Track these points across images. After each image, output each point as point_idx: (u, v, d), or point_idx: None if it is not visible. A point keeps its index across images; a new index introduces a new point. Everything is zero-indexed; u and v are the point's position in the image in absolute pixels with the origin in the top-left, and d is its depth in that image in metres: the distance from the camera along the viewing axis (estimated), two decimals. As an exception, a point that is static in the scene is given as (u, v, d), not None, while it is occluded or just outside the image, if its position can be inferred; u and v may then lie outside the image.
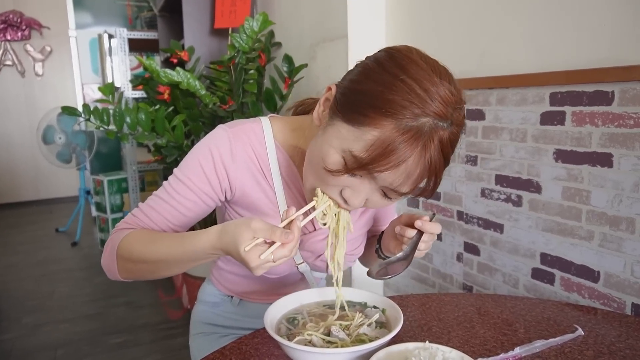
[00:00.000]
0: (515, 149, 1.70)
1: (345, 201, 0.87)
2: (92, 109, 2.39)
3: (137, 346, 2.88)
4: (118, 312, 3.37)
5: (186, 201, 1.00)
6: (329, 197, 0.89)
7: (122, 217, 4.69)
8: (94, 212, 5.18)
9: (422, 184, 0.82)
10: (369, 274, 0.94)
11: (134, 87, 3.77)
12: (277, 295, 1.03)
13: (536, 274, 1.66)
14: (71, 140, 4.87)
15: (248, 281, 1.21)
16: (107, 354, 2.81)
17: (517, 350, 0.95)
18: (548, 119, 1.58)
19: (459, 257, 2.00)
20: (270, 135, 1.03)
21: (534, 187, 1.64)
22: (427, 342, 0.87)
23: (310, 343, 0.87)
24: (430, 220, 0.95)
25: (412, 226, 0.96)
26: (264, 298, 1.19)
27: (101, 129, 2.41)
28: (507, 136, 1.73)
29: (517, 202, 1.71)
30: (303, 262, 1.11)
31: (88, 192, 5.34)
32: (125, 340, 2.95)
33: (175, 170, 1.03)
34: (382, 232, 1.16)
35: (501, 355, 0.93)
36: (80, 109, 2.39)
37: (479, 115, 1.84)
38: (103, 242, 4.76)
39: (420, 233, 0.95)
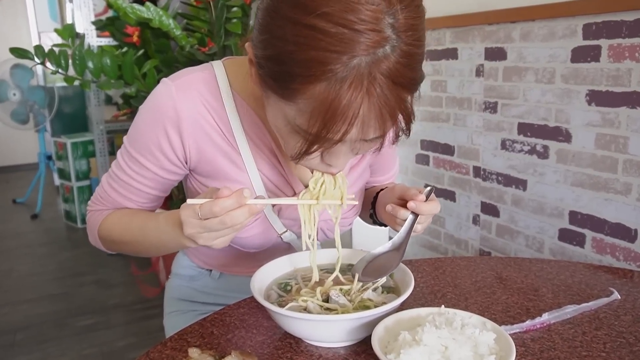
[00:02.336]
0: (542, 92, 1.68)
1: (330, 165, 0.84)
2: (47, 51, 2.34)
3: (108, 329, 2.88)
4: (86, 291, 3.37)
5: (144, 179, 1.01)
6: (311, 169, 0.88)
7: (89, 185, 4.70)
8: (57, 181, 5.15)
9: (390, 125, 0.78)
10: (352, 274, 0.91)
11: (100, 34, 3.69)
12: None
13: (564, 235, 1.66)
14: (28, 97, 4.80)
15: (225, 254, 1.19)
16: (73, 337, 2.81)
17: (546, 317, 0.94)
18: (580, 55, 1.56)
19: (475, 220, 2.00)
20: (225, 84, 0.98)
21: (562, 135, 1.63)
22: (443, 306, 0.85)
23: (305, 310, 0.86)
24: (427, 198, 0.93)
25: (405, 204, 0.93)
26: (248, 270, 1.16)
27: (59, 73, 2.36)
28: (532, 77, 1.71)
29: (543, 154, 1.70)
30: (287, 231, 1.09)
31: (49, 158, 5.30)
32: (94, 322, 2.96)
33: (124, 139, 1.01)
34: (378, 192, 1.14)
35: (527, 322, 0.92)
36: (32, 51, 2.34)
37: (499, 54, 1.81)
38: (68, 213, 4.76)
39: (416, 214, 0.93)
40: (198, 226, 0.80)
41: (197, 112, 0.95)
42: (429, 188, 0.96)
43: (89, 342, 2.76)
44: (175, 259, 1.33)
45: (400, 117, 0.76)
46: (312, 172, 0.90)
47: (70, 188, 4.67)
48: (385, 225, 1.15)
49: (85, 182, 4.70)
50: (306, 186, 1.02)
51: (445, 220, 2.14)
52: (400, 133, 0.80)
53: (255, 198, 0.82)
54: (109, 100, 4.77)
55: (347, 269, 0.98)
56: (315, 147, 0.76)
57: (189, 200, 0.81)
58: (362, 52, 0.68)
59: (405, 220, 0.93)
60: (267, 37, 0.74)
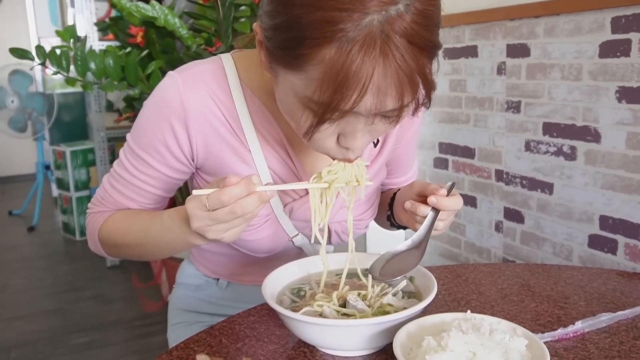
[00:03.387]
0: (568, 90, 1.67)
1: (347, 148, 0.83)
2: (47, 51, 2.36)
3: (106, 346, 2.88)
4: (84, 307, 3.37)
5: (148, 179, 1.01)
6: (328, 155, 0.85)
7: (88, 196, 4.72)
8: (55, 192, 5.18)
9: (409, 93, 0.76)
10: (370, 273, 0.90)
11: (102, 37, 3.71)
12: None
13: (594, 241, 1.64)
14: (26, 105, 4.84)
15: (233, 261, 1.18)
16: (70, 355, 2.81)
17: (579, 325, 0.92)
18: (609, 50, 1.55)
19: (498, 227, 1.98)
20: (234, 77, 0.98)
21: (591, 135, 1.62)
22: (469, 312, 0.84)
23: (321, 316, 0.85)
24: (449, 193, 0.92)
25: (425, 200, 0.92)
26: (257, 279, 1.15)
27: (60, 74, 2.37)
28: (557, 74, 1.70)
29: (571, 155, 1.69)
30: (298, 234, 1.08)
31: (47, 167, 5.33)
32: (92, 340, 2.95)
33: (127, 136, 1.01)
34: (395, 193, 1.13)
35: (559, 330, 0.91)
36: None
37: (522, 50, 1.80)
38: (66, 225, 4.77)
39: (437, 210, 0.92)
40: (206, 218, 0.78)
41: (205, 106, 0.95)
42: (450, 183, 0.95)
43: (85, 361, 2.76)
44: (180, 267, 1.32)
45: (420, 84, 0.74)
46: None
47: (68, 199, 4.69)
48: (405, 228, 1.14)
49: (85, 193, 4.72)
50: None
51: (465, 227, 2.13)
52: (420, 104, 0.78)
53: (265, 184, 0.82)
54: (110, 107, 4.79)
55: (365, 274, 0.97)
56: (327, 117, 0.74)
57: (194, 191, 0.80)
58: (374, 9, 0.67)
59: (425, 217, 0.92)
60: (274, 6, 0.75)
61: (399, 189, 1.14)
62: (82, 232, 4.57)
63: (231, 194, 0.76)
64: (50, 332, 3.05)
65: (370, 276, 0.90)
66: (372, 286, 0.91)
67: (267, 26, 0.77)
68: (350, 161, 0.86)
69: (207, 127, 0.96)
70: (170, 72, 0.97)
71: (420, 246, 0.91)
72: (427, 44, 0.72)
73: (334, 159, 0.86)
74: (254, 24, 0.83)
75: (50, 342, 2.94)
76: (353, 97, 0.70)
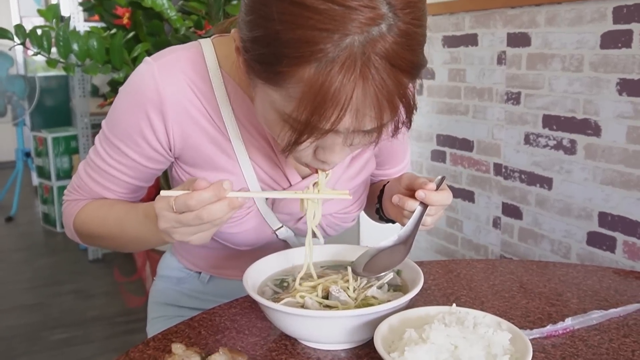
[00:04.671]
0: (569, 81, 1.68)
1: (324, 162, 0.84)
2: (28, 31, 2.36)
3: (86, 343, 2.87)
4: (63, 301, 3.36)
5: (124, 168, 1.01)
6: (303, 165, 0.88)
7: (70, 186, 4.70)
8: (35, 180, 5.17)
9: (388, 115, 0.76)
10: (353, 269, 0.91)
11: (89, 17, 3.69)
12: None
13: (593, 239, 1.66)
14: (6, 87, 4.80)
15: (215, 254, 1.19)
16: (47, 352, 2.80)
17: (569, 322, 0.93)
18: (611, 40, 1.56)
19: (496, 223, 2.00)
20: (214, 64, 0.97)
21: (591, 128, 1.63)
22: (454, 305, 0.85)
23: (302, 308, 0.85)
24: (438, 187, 0.92)
25: (414, 195, 0.92)
26: (240, 273, 1.15)
27: (40, 55, 2.36)
28: (558, 65, 1.71)
29: (570, 149, 1.70)
30: (282, 227, 1.09)
31: (28, 155, 5.29)
32: (71, 336, 2.95)
33: (102, 123, 1.01)
34: (384, 186, 1.13)
35: (548, 327, 0.92)
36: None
37: (522, 40, 1.81)
38: (47, 216, 4.77)
39: (425, 205, 0.92)
40: (173, 220, 0.79)
41: (182, 95, 0.95)
42: (440, 177, 0.95)
43: (64, 358, 2.75)
44: (162, 259, 1.32)
45: (400, 106, 0.75)
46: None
47: (49, 188, 4.68)
48: (394, 222, 1.15)
49: (67, 182, 4.67)
50: (303, 178, 1.03)
51: (462, 223, 2.14)
52: (400, 125, 0.79)
53: (239, 190, 0.82)
54: (95, 92, 4.76)
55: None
56: (305, 137, 0.75)
57: (162, 192, 0.81)
58: (355, 31, 0.68)
59: (413, 212, 0.93)
60: (252, 18, 0.75)
61: (388, 182, 1.14)
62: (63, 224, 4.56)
63: (199, 199, 0.76)
64: (27, 327, 3.05)
65: (349, 269, 0.91)
66: (356, 279, 0.92)
67: (245, 37, 0.77)
68: (324, 170, 0.89)
69: (185, 117, 0.96)
70: (146, 58, 0.97)
71: (407, 242, 0.91)
72: (409, 65, 0.72)
73: (309, 168, 0.89)
74: (233, 30, 0.84)
75: (26, 338, 2.94)
76: (332, 118, 0.71)
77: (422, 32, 0.74)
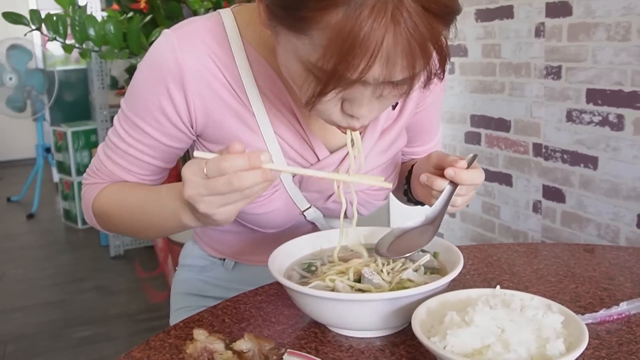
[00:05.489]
0: (615, 52, 1.65)
1: (352, 116, 0.82)
2: (44, 16, 2.39)
3: (109, 341, 2.91)
4: (85, 298, 3.41)
5: (145, 148, 1.01)
6: (331, 123, 0.86)
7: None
8: (56, 176, 5.26)
9: (421, 64, 0.75)
10: (376, 250, 0.90)
11: (106, 6, 3.73)
12: None
13: (644, 221, 1.63)
14: (25, 82, 4.89)
15: (240, 239, 1.18)
16: (69, 350, 2.84)
17: (624, 307, 0.91)
18: (662, 4, 1.53)
19: (536, 207, 1.98)
20: (235, 33, 0.97)
21: (640, 101, 1.60)
22: (498, 287, 0.82)
23: (333, 291, 0.83)
24: (469, 165, 0.91)
25: (443, 174, 0.91)
26: (266, 259, 1.16)
27: (60, 51, 2.39)
28: (602, 35, 1.68)
29: (617, 125, 1.67)
30: (310, 207, 1.08)
31: (48, 150, 5.41)
32: (93, 333, 2.99)
33: (121, 102, 1.01)
34: (412, 166, 1.12)
35: (602, 312, 0.90)
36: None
37: (562, 9, 1.78)
38: (68, 213, 4.85)
39: (455, 184, 0.91)
40: (201, 186, 0.77)
41: (202, 66, 0.95)
42: (471, 155, 0.94)
43: (86, 356, 2.79)
44: (183, 248, 1.33)
45: (433, 54, 0.73)
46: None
47: (70, 184, 4.75)
48: (423, 204, 1.13)
49: (87, 177, 4.78)
50: (331, 152, 1.02)
51: (500, 209, 2.13)
52: (432, 76, 0.77)
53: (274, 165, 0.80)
54: (114, 84, 4.83)
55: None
56: (330, 87, 0.74)
57: (196, 153, 0.79)
58: None
59: (442, 192, 0.91)
60: None
61: (416, 162, 1.13)
62: (85, 220, 4.62)
63: (232, 163, 0.75)
64: (49, 325, 3.10)
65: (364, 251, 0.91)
66: (388, 263, 0.90)
67: None
68: (354, 129, 0.86)
69: (206, 89, 0.96)
70: (165, 30, 0.97)
71: (434, 222, 0.91)
72: (444, 9, 0.71)
73: (339, 128, 0.87)
74: None
75: (49, 335, 2.98)
76: (360, 67, 0.70)
77: None
